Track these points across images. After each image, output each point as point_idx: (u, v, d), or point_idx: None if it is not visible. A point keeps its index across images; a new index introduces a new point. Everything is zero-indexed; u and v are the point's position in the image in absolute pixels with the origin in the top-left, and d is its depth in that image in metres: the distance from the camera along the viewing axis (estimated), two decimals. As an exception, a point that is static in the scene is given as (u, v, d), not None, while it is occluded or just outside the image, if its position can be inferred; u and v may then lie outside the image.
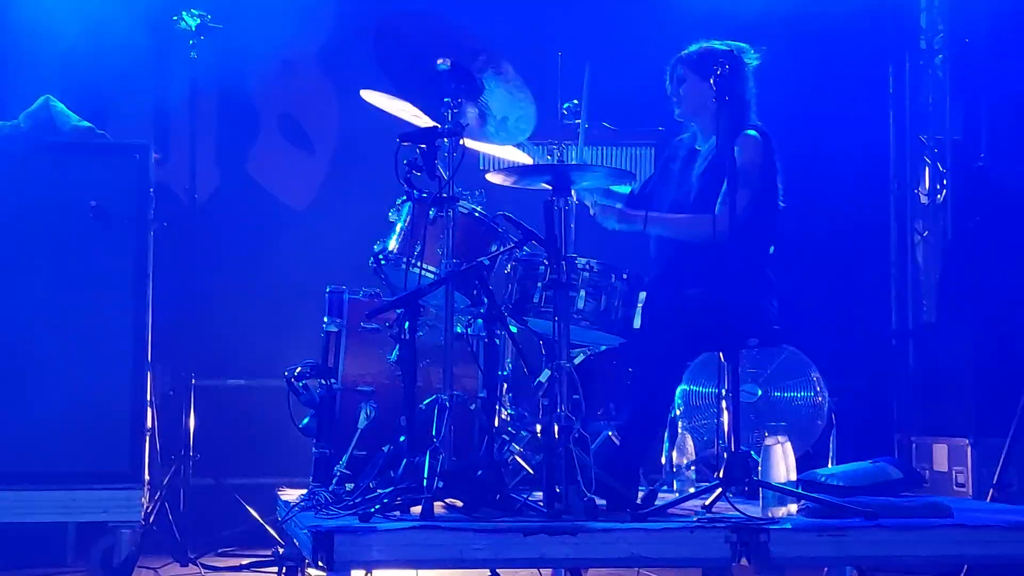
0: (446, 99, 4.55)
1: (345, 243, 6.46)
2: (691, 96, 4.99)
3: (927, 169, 7.60)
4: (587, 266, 4.57)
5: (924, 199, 7.63)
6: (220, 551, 6.06)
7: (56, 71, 6.72)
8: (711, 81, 4.59)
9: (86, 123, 5.80)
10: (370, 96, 5.22)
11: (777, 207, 4.98)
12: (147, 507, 5.68)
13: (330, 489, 4.68)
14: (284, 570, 5.09)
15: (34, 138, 5.66)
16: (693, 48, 4.98)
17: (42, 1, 6.70)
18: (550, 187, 4.51)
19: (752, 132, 4.92)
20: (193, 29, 6.09)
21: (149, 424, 5.75)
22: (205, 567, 5.78)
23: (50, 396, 5.50)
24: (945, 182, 7.54)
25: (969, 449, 6.56)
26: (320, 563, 3.92)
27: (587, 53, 5.02)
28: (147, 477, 5.67)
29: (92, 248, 5.62)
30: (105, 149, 5.79)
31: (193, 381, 6.13)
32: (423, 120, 4.77)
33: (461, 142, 4.55)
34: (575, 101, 5.01)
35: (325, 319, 5.12)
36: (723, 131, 4.64)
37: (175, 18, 6.11)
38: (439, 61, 4.56)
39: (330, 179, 7.14)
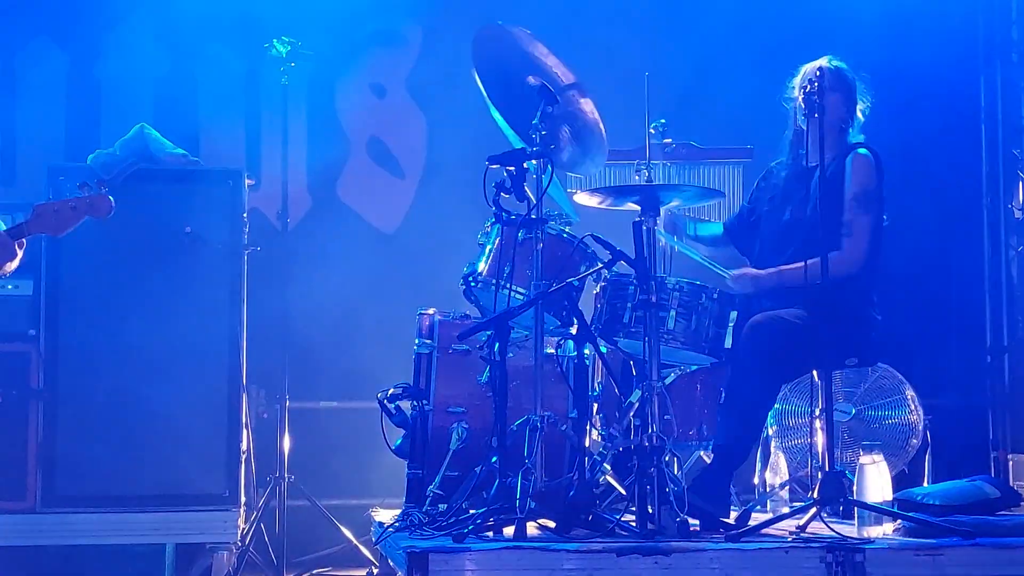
0: (535, 121, 4.58)
1: (434, 265, 6.51)
2: (828, 110, 4.84)
3: (1021, 184, 7.48)
4: (677, 286, 4.57)
5: (1018, 214, 7.50)
6: (315, 571, 6.11)
7: (150, 99, 6.86)
8: (836, 97, 4.62)
9: (180, 150, 5.92)
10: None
11: (883, 225, 4.92)
12: (244, 528, 5.76)
13: (423, 509, 4.72)
14: (378, 590, 5.15)
15: (130, 165, 5.77)
16: (824, 63, 4.87)
17: (136, 30, 6.84)
18: (638, 207, 4.52)
19: (865, 151, 4.87)
20: (284, 56, 6.18)
21: (245, 446, 5.84)
22: (303, 587, 5.85)
23: (149, 420, 5.61)
24: (1040, 196, 7.41)
25: (1068, 467, 6.44)
26: (415, 583, 3.96)
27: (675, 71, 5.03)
28: (243, 498, 5.75)
29: (188, 273, 5.73)
30: (199, 175, 5.90)
31: (287, 403, 6.20)
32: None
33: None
34: (662, 120, 5.02)
35: (416, 341, 5.16)
36: (842, 147, 4.67)
37: (267, 45, 6.22)
38: (530, 78, 4.60)
39: (418, 202, 7.19)
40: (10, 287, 5.62)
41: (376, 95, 7.21)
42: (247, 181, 5.95)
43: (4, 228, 4.08)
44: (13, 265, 4.12)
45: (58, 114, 6.85)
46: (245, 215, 5.88)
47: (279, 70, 6.24)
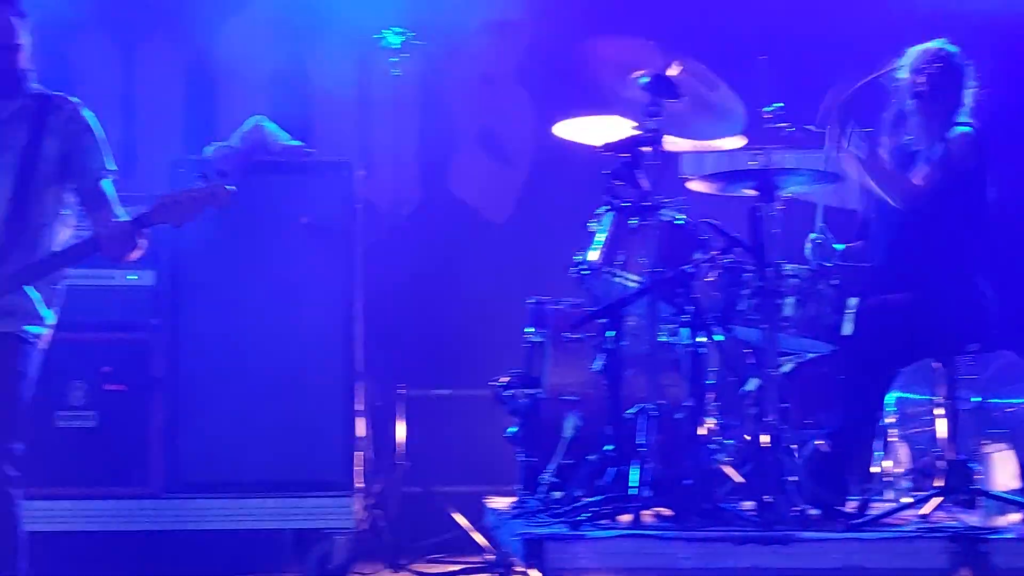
0: (648, 108, 4.56)
1: (545, 254, 6.51)
2: (934, 92, 4.78)
3: None
4: (795, 272, 4.51)
5: None
6: (429, 557, 6.16)
7: (265, 91, 6.95)
8: (948, 80, 4.54)
9: (296, 142, 5.99)
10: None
11: (987, 206, 4.83)
12: (360, 514, 5.82)
13: (538, 497, 4.74)
14: (495, 576, 5.18)
15: (247, 157, 5.86)
16: (935, 45, 4.81)
17: (251, 24, 6.94)
18: (755, 192, 4.48)
19: (967, 128, 4.79)
20: (396, 47, 6.22)
21: (360, 434, 5.90)
22: (415, 573, 5.88)
23: (267, 407, 5.69)
24: None
25: None
26: (532, 569, 3.97)
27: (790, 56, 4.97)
28: (359, 485, 5.81)
29: (303, 263, 5.79)
30: (313, 167, 5.96)
31: (401, 391, 6.25)
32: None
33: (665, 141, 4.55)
34: (778, 104, 4.95)
35: (529, 330, 5.17)
36: (948, 131, 4.60)
37: (378, 37, 6.26)
38: (638, 74, 4.58)
39: (528, 191, 7.20)
40: (132, 277, 5.73)
41: (486, 84, 7.23)
42: (359, 172, 6.00)
43: (127, 219, 4.16)
44: (136, 255, 4.21)
45: (176, 107, 6.99)
46: (358, 205, 5.92)
47: (391, 61, 6.27)
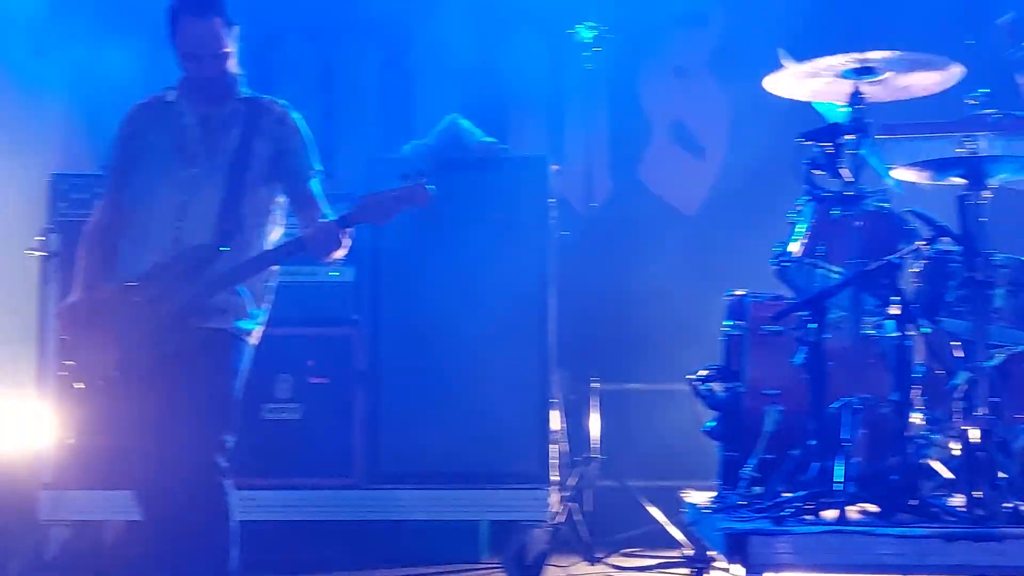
0: (854, 93, 4.47)
1: (738, 246, 6.45)
2: None
3: None
4: (1006, 262, 4.38)
5: None
6: (625, 551, 6.16)
7: (459, 88, 7.04)
8: None
9: (490, 139, 6.06)
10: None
11: None
12: (555, 507, 5.85)
13: (739, 492, 4.69)
14: (693, 571, 5.14)
15: (443, 154, 5.95)
16: None
17: (445, 22, 7.04)
18: (963, 181, 4.35)
19: None
20: (588, 40, 6.24)
21: (555, 427, 5.93)
22: (612, 566, 5.89)
23: (464, 400, 5.77)
24: None
25: None
26: (734, 565, 3.94)
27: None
28: (555, 478, 5.85)
29: (498, 258, 5.86)
30: (507, 163, 6.02)
31: (595, 385, 6.26)
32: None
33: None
34: (985, 90, 4.81)
35: (727, 323, 5.12)
36: None
37: (571, 31, 6.29)
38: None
39: (722, 182, 7.14)
40: (334, 274, 5.87)
41: (678, 77, 7.20)
42: (552, 167, 6.03)
43: (333, 218, 4.26)
44: (341, 253, 4.30)
45: (372, 106, 7.14)
46: (551, 200, 5.96)
47: (583, 55, 6.29)
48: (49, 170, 6.05)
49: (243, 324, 4.27)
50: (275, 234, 4.41)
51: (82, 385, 4.22)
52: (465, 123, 6.06)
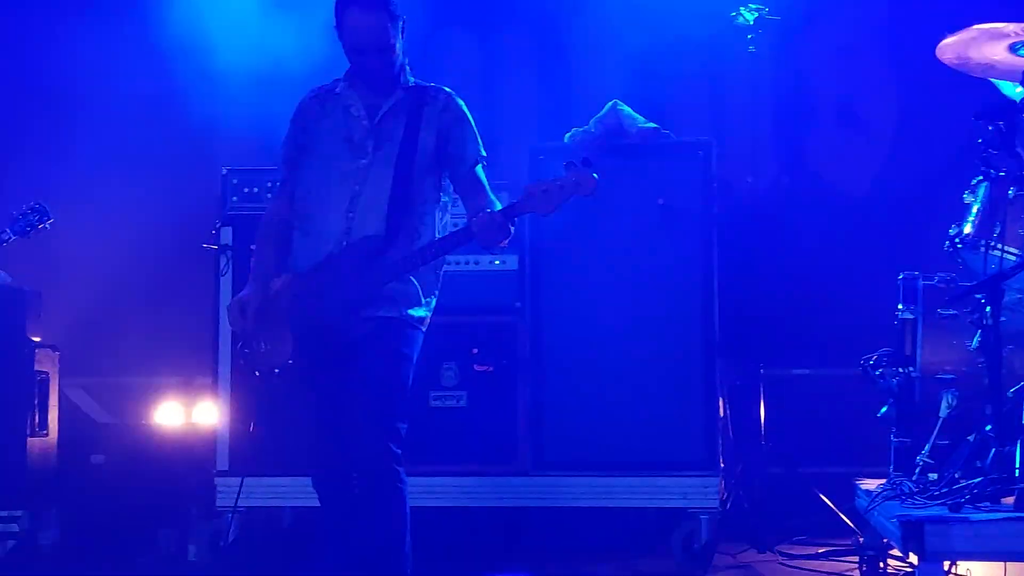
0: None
1: (908, 228, 6.31)
2: None
3: None
4: None
5: None
6: (795, 539, 6.08)
7: (618, 74, 7.02)
8: None
9: (652, 124, 6.02)
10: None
11: None
12: (723, 494, 5.80)
13: (913, 478, 4.59)
14: (865, 559, 5.05)
15: (605, 141, 5.93)
16: None
17: (603, 9, 7.03)
18: None
19: None
20: (751, 23, 6.16)
21: (721, 414, 5.88)
22: (782, 554, 5.82)
23: (629, 387, 5.75)
24: None
25: None
26: (909, 553, 3.86)
27: None
28: (722, 465, 5.80)
29: (661, 244, 5.82)
30: (670, 148, 5.97)
31: (761, 371, 6.18)
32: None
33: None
34: None
35: (899, 306, 5.01)
36: None
37: (733, 14, 6.21)
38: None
39: (890, 163, 6.98)
40: (497, 263, 5.90)
41: (844, 55, 7.05)
42: (716, 151, 5.97)
43: (499, 207, 4.27)
44: (505, 242, 4.31)
45: (532, 96, 7.16)
46: (715, 185, 5.90)
47: (746, 37, 6.22)
48: (222, 165, 6.21)
49: (414, 312, 4.31)
50: (442, 220, 4.44)
51: (257, 373, 4.32)
52: (626, 109, 6.03)
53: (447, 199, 4.46)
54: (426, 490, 5.61)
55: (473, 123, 4.45)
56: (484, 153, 4.45)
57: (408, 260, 4.24)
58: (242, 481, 5.52)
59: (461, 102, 4.45)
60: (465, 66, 7.23)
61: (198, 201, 6.65)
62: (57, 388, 6.40)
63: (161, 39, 7.26)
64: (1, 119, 7.21)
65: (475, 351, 5.90)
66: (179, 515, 6.18)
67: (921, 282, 4.99)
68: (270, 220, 4.52)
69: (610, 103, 6.06)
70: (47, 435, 6.31)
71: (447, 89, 4.47)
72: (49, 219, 5.95)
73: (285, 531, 6.38)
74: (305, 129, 4.47)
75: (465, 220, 4.33)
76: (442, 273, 4.44)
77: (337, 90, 4.45)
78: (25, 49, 7.40)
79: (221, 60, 7.14)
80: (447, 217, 4.47)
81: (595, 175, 4.19)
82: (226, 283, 5.95)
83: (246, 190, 5.98)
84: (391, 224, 4.26)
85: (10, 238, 5.50)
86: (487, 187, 4.39)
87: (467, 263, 5.86)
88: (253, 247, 4.56)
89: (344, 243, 4.26)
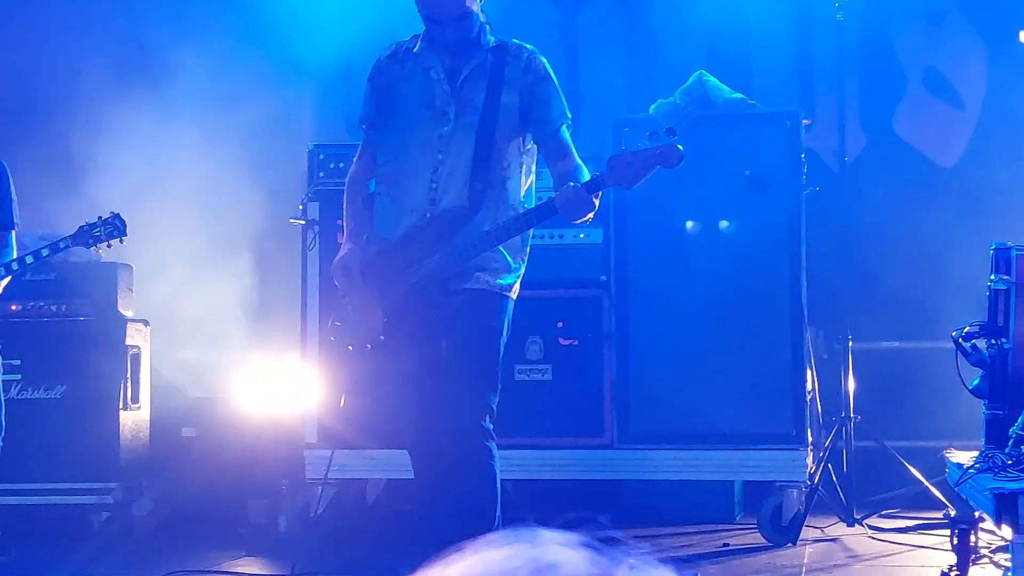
0: None
1: (999, 199, 6.20)
2: None
3: None
4: None
5: None
6: (884, 512, 6.02)
7: (704, 45, 6.97)
8: None
9: (738, 95, 5.96)
10: None
11: None
12: (811, 468, 5.76)
13: (1006, 451, 4.52)
14: (956, 532, 4.98)
15: (690, 112, 5.89)
16: None
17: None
18: None
19: None
20: (838, -8, 6.08)
21: (809, 387, 5.83)
22: (871, 528, 5.77)
23: (715, 360, 5.73)
24: None
25: None
26: (1002, 525, 3.80)
27: None
28: (810, 438, 5.75)
29: (747, 215, 5.78)
30: (757, 119, 5.91)
31: (850, 343, 6.12)
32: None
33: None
34: None
35: (992, 277, 4.93)
36: None
37: (820, -18, 6.14)
38: None
39: (981, 132, 6.86)
40: (582, 236, 5.90)
41: (932, 24, 6.93)
42: (803, 121, 5.90)
43: (586, 177, 4.22)
44: (590, 216, 4.25)
45: (617, 67, 7.12)
46: (802, 156, 5.84)
47: (834, 6, 6.13)
48: (309, 141, 6.26)
49: (503, 280, 4.24)
50: (527, 184, 4.35)
51: (351, 347, 4.32)
52: (712, 79, 5.98)
53: (531, 162, 4.36)
54: (511, 463, 5.63)
55: (557, 83, 4.32)
56: (569, 115, 4.34)
57: (492, 235, 4.17)
58: (332, 454, 5.60)
59: (544, 61, 4.31)
60: (548, 38, 7.20)
61: (285, 176, 6.71)
62: (149, 362, 6.51)
63: (248, 14, 7.33)
64: (92, 95, 7.30)
65: (560, 325, 5.90)
66: (269, 487, 6.26)
67: (1014, 252, 4.90)
68: (355, 180, 4.44)
69: (696, 74, 6.01)
70: (140, 408, 6.42)
71: (529, 47, 4.32)
72: (124, 236, 5.46)
73: (373, 503, 6.44)
74: (384, 90, 4.35)
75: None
76: (529, 238, 4.38)
77: (416, 49, 4.31)
78: (115, 23, 7.49)
79: (309, 35, 7.19)
80: (531, 179, 4.38)
81: (680, 146, 4.13)
82: (313, 258, 6.00)
83: (332, 165, 6.02)
84: (474, 194, 4.18)
85: (68, 246, 5.39)
86: (572, 150, 4.28)
87: (551, 237, 5.86)
88: (344, 209, 4.51)
89: (428, 215, 4.21)
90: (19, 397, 6.06)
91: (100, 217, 5.33)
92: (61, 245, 5.30)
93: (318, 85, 7.39)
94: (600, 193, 4.17)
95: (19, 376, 6.05)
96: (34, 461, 6.00)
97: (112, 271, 6.39)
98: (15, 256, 5.36)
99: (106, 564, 5.43)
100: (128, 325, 6.35)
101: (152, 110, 7.12)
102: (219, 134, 7.16)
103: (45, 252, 5.30)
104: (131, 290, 6.52)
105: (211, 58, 7.22)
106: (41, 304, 6.21)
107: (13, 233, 5.43)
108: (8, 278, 5.33)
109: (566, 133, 4.31)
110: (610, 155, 4.15)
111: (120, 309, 6.39)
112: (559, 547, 1.03)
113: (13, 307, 6.20)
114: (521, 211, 4.27)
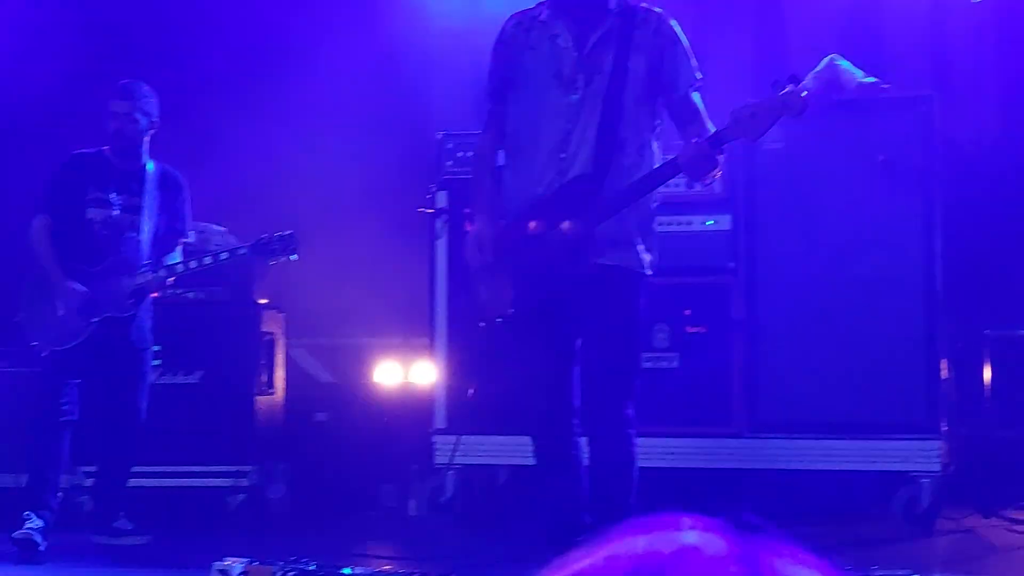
0: None
1: None
2: None
3: None
4: None
5: None
6: (1022, 504, 5.87)
7: (836, 29, 6.84)
8: None
9: (871, 78, 5.85)
10: None
11: None
12: (946, 458, 5.64)
13: None
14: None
15: (821, 96, 5.79)
16: None
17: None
18: None
19: None
20: (974, -28, 5.94)
21: (944, 375, 5.71)
22: (1008, 519, 5.63)
23: (846, 348, 5.64)
24: None
25: None
26: None
27: None
28: (944, 428, 5.64)
29: (880, 201, 5.67)
30: (890, 103, 5.78)
31: (986, 332, 5.98)
32: None
33: None
34: None
35: None
36: None
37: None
38: None
39: None
40: (709, 223, 5.85)
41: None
42: (938, 105, 5.77)
43: (712, 130, 4.08)
44: (717, 173, 4.09)
45: (746, 50, 7.03)
46: (937, 140, 5.71)
47: (969, -13, 6.00)
48: (437, 129, 6.30)
49: (640, 255, 4.17)
50: (656, 151, 4.24)
51: (482, 324, 4.28)
52: (844, 63, 5.85)
53: (661, 127, 4.26)
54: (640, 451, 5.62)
55: (688, 45, 4.22)
56: (699, 76, 4.23)
57: (618, 198, 4.07)
58: (457, 439, 5.65)
59: (674, 23, 4.22)
60: (677, 21, 7.13)
61: (414, 165, 6.77)
62: (283, 348, 6.63)
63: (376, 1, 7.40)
64: (219, 83, 7.41)
65: (687, 312, 5.86)
66: (399, 471, 6.34)
67: None
68: (482, 154, 4.42)
69: (827, 57, 5.89)
70: (274, 394, 6.55)
71: (658, 10, 4.23)
72: (295, 255, 5.46)
73: (502, 488, 6.48)
74: (510, 61, 4.28)
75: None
76: (656, 207, 4.27)
77: (542, 17, 4.24)
78: (243, 11, 7.60)
79: (436, 23, 7.23)
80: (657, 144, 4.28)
81: (805, 93, 4.02)
82: (442, 246, 6.05)
83: (460, 154, 6.05)
84: (600, 162, 4.08)
85: (246, 255, 5.49)
86: (703, 114, 4.18)
87: (679, 223, 5.82)
88: (473, 184, 4.49)
89: (556, 185, 4.13)
90: (158, 382, 6.22)
91: (276, 233, 5.46)
92: (240, 252, 5.47)
93: (447, 72, 7.43)
94: (724, 150, 4.02)
95: (158, 361, 6.21)
96: (172, 444, 6.15)
97: (246, 260, 6.51)
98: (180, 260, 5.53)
99: (241, 545, 5.55)
100: (263, 313, 6.47)
101: (279, 97, 7.21)
102: (348, 121, 7.24)
103: (224, 256, 5.47)
104: (264, 278, 6.63)
105: (339, 43, 7.29)
106: (179, 291, 6.36)
107: (183, 243, 5.62)
108: (172, 279, 5.53)
109: (697, 97, 4.21)
110: (732, 107, 4.02)
111: (255, 296, 6.51)
112: (700, 532, 1.03)
113: (153, 294, 6.37)
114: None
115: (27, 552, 5.20)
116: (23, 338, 5.59)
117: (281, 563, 3.39)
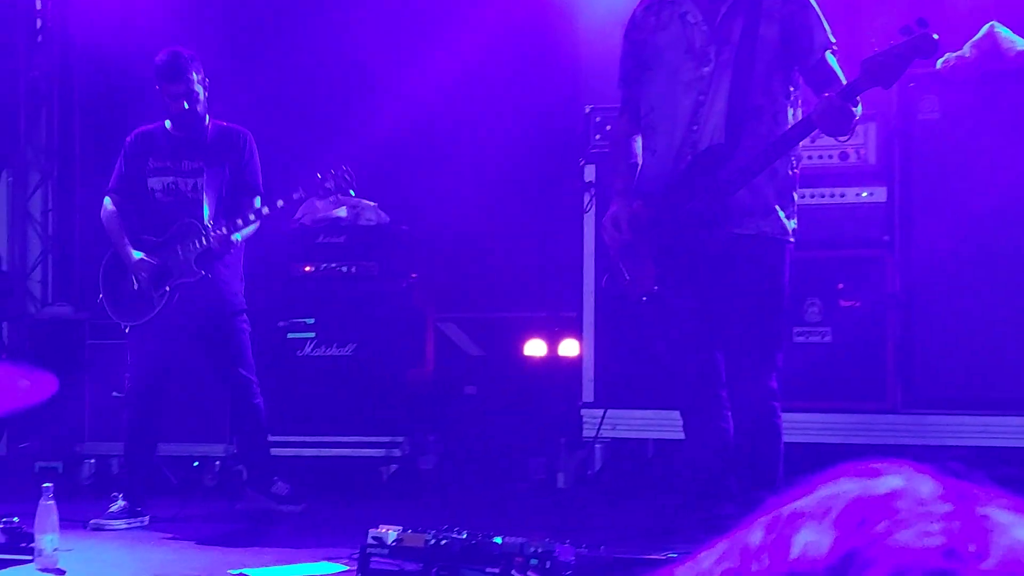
0: None
1: None
2: None
3: None
4: None
5: None
6: None
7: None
8: None
9: (1034, 46, 5.68)
10: None
11: None
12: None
13: None
14: None
15: (980, 66, 5.64)
16: None
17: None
18: None
19: None
20: None
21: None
22: None
23: (1005, 323, 5.49)
24: None
25: None
26: None
27: None
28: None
29: None
30: (1052, 71, 5.62)
31: None
32: None
33: None
34: None
35: None
36: None
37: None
38: None
39: None
40: (864, 195, 5.74)
41: None
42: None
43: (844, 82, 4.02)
44: (853, 127, 4.04)
45: (900, 18, 6.86)
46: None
47: None
48: (586, 103, 6.29)
49: (782, 221, 4.13)
50: (796, 116, 4.20)
51: (635, 299, 4.29)
52: (1005, 31, 5.70)
53: (798, 93, 4.21)
54: (789, 426, 5.56)
55: (818, 8, 4.16)
56: (833, 39, 4.17)
57: (753, 163, 4.03)
58: (604, 413, 5.66)
59: None
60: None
61: (562, 139, 6.78)
62: (433, 322, 6.72)
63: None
64: (356, 49, 7.45)
65: (840, 286, 5.77)
66: (548, 444, 6.38)
67: None
68: (617, 140, 4.44)
69: (987, 25, 5.75)
70: (425, 367, 6.64)
71: None
72: (352, 190, 5.64)
73: (650, 461, 6.48)
74: (644, 41, 4.29)
75: None
76: (797, 173, 4.23)
77: None
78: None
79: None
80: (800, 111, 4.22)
81: (935, 35, 3.92)
82: (590, 220, 6.05)
83: (609, 128, 6.03)
84: (731, 130, 4.06)
85: (304, 197, 5.58)
86: (841, 76, 4.11)
87: (832, 196, 5.73)
88: (611, 169, 4.52)
89: (689, 157, 4.13)
90: (313, 354, 6.35)
91: (331, 170, 5.53)
92: (294, 196, 5.54)
93: (596, 46, 7.40)
94: (858, 101, 3.94)
95: (312, 334, 6.34)
96: (326, 416, 6.29)
97: (397, 235, 6.62)
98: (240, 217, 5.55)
99: (395, 514, 5.65)
100: (414, 286, 6.56)
101: (424, 69, 7.25)
102: (496, 95, 7.27)
103: (280, 203, 5.53)
104: (412, 253, 6.73)
105: (489, 16, 7.31)
106: (332, 265, 6.49)
107: (258, 199, 5.61)
108: (256, 224, 5.54)
109: (832, 59, 4.15)
110: (863, 59, 3.94)
111: (406, 271, 6.60)
112: (910, 474, 1.03)
113: (307, 268, 6.50)
114: None
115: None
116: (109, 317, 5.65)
117: (433, 531, 3.44)
